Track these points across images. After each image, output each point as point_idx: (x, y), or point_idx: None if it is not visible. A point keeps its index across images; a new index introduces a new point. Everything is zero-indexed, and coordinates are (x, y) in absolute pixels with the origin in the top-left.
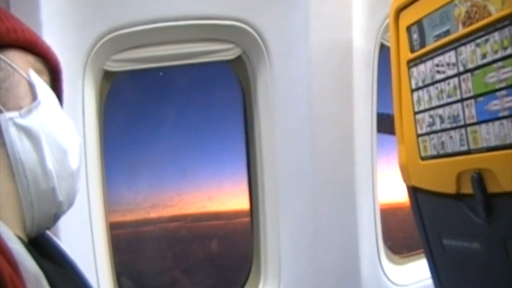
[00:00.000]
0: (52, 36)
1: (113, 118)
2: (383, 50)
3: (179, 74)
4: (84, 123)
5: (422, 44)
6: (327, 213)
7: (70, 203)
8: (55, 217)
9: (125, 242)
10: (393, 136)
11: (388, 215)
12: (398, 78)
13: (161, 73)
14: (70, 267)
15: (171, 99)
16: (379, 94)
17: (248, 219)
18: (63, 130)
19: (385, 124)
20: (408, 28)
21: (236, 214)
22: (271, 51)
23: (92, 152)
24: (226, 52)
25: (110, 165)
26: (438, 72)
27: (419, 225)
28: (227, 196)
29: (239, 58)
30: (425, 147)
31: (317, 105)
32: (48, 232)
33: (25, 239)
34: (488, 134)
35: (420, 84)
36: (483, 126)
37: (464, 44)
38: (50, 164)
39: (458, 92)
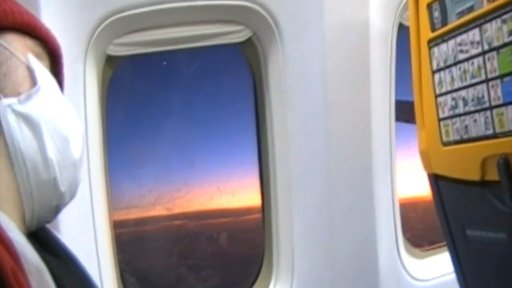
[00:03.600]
0: (51, 18)
1: (116, 105)
2: (402, 30)
3: (186, 58)
4: (85, 110)
5: (444, 22)
6: (343, 204)
7: (72, 194)
8: (57, 209)
9: (130, 238)
10: (412, 124)
11: (407, 206)
12: (418, 59)
13: (164, 63)
14: (71, 261)
15: (177, 84)
16: (396, 79)
17: (259, 211)
18: (64, 117)
19: (404, 112)
20: (429, 6)
21: (247, 207)
22: (283, 33)
23: (94, 141)
24: (235, 34)
25: (113, 155)
26: (461, 51)
27: (441, 216)
28: (236, 187)
29: (249, 40)
30: (447, 132)
31: (331, 90)
32: (48, 226)
33: (25, 232)
34: None
35: (442, 65)
36: (510, 108)
37: (489, 20)
38: (51, 153)
39: (482, 72)
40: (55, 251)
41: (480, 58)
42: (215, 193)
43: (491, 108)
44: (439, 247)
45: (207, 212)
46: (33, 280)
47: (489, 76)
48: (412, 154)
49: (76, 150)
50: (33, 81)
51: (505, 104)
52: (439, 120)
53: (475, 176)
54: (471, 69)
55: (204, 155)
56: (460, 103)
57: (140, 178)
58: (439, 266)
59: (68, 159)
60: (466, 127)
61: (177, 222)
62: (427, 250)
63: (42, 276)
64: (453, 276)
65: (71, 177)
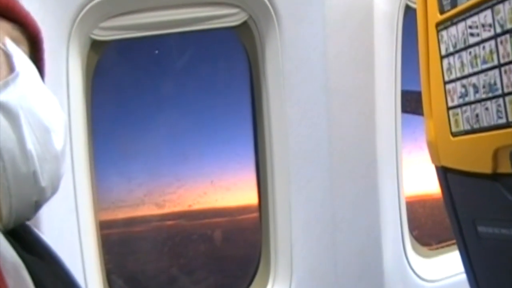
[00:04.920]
0: (31, 0)
1: (102, 93)
2: (408, 13)
3: (177, 44)
4: (69, 99)
5: (453, 4)
6: (345, 199)
7: (54, 189)
8: (37, 205)
9: (117, 237)
10: (419, 116)
11: (415, 202)
12: (426, 44)
13: (156, 51)
14: (54, 262)
15: (169, 71)
16: (402, 67)
17: (255, 205)
18: (45, 106)
19: (410, 102)
20: None
21: (243, 204)
22: (281, 16)
23: (78, 132)
24: (230, 17)
25: (99, 147)
26: (472, 35)
27: (450, 211)
28: (232, 181)
29: (244, 24)
30: (456, 122)
31: (333, 77)
32: (28, 224)
33: (2, 229)
34: None
35: (451, 49)
36: None
37: (502, 1)
38: (31, 144)
39: (495, 56)
40: (36, 251)
41: (492, 42)
42: (208, 187)
43: (504, 95)
44: (449, 245)
45: (200, 210)
46: (9, 278)
47: (502, 61)
48: (419, 146)
49: (58, 142)
50: (11, 67)
51: None
52: (448, 109)
53: (486, 168)
54: (482, 53)
55: (197, 147)
56: (471, 91)
57: (129, 172)
58: (448, 265)
59: (49, 151)
60: (477, 116)
61: (168, 222)
62: (436, 248)
63: (19, 274)
64: (463, 276)
65: (52, 170)
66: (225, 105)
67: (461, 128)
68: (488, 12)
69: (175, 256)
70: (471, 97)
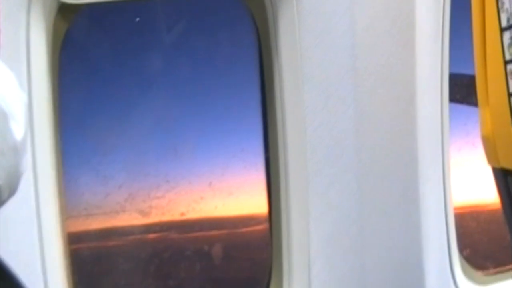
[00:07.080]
0: None
1: (72, 71)
2: None
3: (167, 9)
4: (30, 77)
5: None
6: (377, 207)
7: (12, 190)
8: None
9: (90, 253)
10: (471, 106)
11: (466, 213)
12: (481, 13)
13: (137, 19)
14: (10, 280)
15: (156, 45)
16: (451, 41)
17: (264, 215)
18: (0, 85)
19: (461, 88)
20: None
21: (249, 211)
22: None
23: (41, 119)
24: None
25: (68, 138)
26: None
27: (511, 224)
28: (235, 184)
29: None
30: None
31: (362, 54)
32: None
33: None
34: None
35: None
36: None
37: None
38: None
39: None
40: None
41: None
42: (206, 191)
43: None
44: (510, 269)
45: (195, 220)
46: None
47: None
48: (472, 142)
49: (17, 130)
50: None
51: None
52: (510, 95)
53: None
54: None
55: (191, 141)
56: None
57: (105, 171)
58: None
59: (6, 141)
60: None
61: (155, 234)
62: (493, 273)
63: None
64: None
65: (10, 166)
66: (228, 88)
67: None
68: None
69: (162, 277)
70: None
